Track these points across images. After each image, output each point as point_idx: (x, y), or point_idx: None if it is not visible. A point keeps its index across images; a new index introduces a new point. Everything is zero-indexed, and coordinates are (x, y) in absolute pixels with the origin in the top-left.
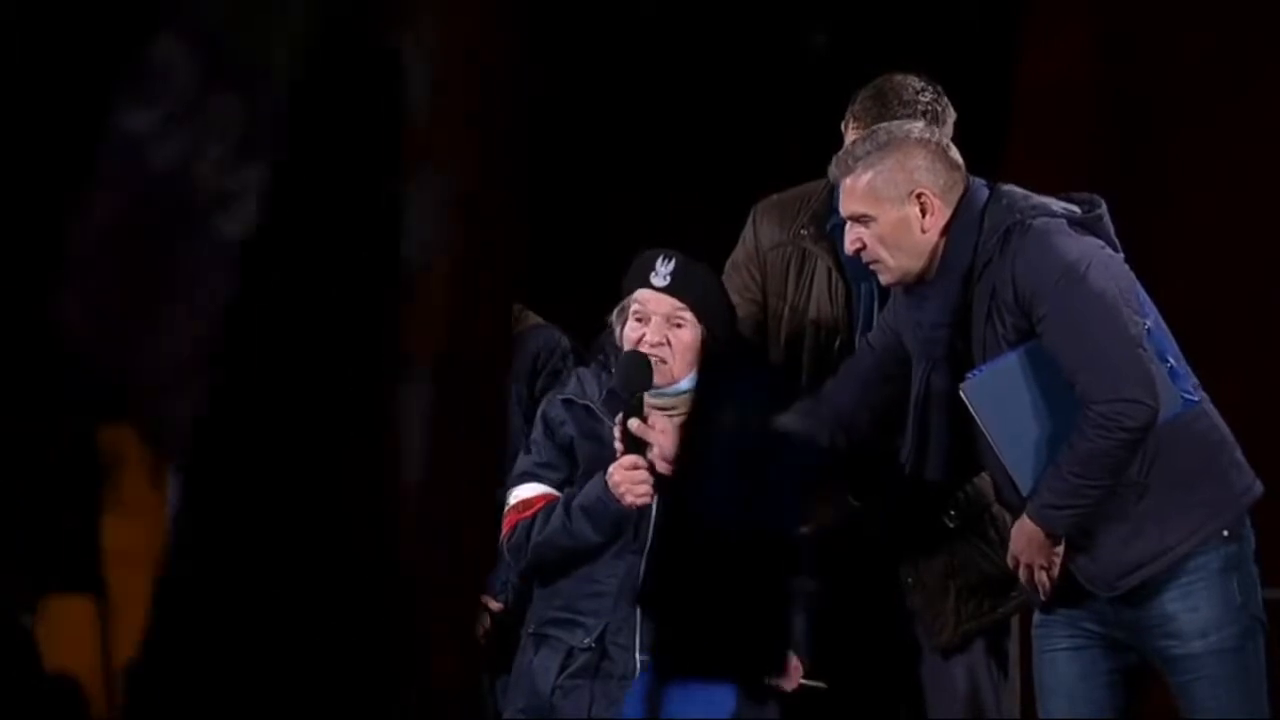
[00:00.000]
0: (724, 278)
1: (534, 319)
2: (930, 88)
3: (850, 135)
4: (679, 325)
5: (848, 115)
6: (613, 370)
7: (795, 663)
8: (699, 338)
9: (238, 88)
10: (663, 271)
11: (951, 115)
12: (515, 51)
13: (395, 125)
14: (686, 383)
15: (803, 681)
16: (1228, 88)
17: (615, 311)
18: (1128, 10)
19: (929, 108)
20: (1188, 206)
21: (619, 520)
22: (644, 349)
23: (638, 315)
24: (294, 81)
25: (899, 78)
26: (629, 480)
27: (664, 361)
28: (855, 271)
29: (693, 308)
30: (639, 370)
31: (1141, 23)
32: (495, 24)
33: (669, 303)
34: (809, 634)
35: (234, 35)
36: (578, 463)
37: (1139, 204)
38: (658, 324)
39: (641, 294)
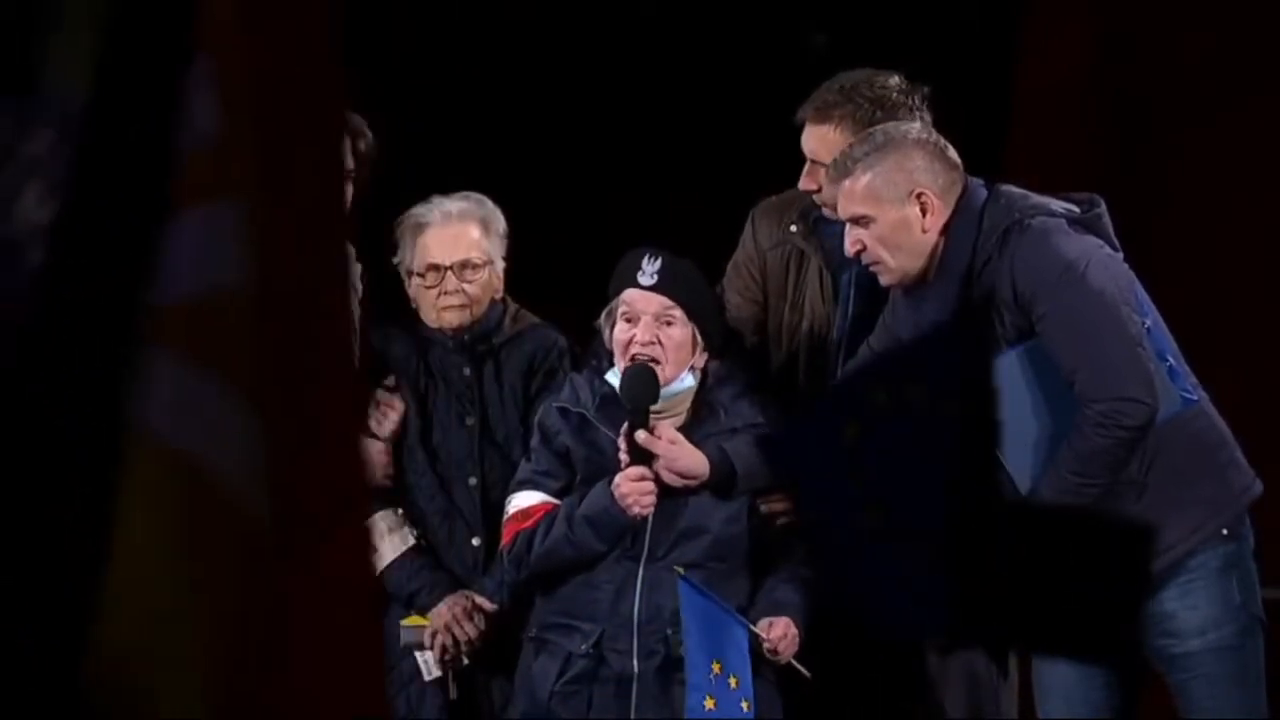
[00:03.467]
0: (725, 280)
1: (531, 319)
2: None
3: (820, 129)
4: (669, 323)
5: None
6: (606, 375)
7: (794, 631)
8: (689, 336)
9: (52, 123)
10: (649, 270)
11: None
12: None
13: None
14: (679, 384)
15: (793, 662)
16: (1228, 88)
17: (603, 315)
18: (1128, 10)
19: (903, 101)
20: (1188, 206)
21: (623, 530)
22: (635, 349)
23: (626, 316)
24: (83, 106)
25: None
26: (636, 491)
27: (655, 361)
28: (839, 263)
29: (682, 305)
30: (645, 383)
31: (1141, 23)
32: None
33: (658, 301)
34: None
35: (49, 69)
36: (576, 470)
37: (1139, 204)
38: (647, 323)
39: (629, 294)
